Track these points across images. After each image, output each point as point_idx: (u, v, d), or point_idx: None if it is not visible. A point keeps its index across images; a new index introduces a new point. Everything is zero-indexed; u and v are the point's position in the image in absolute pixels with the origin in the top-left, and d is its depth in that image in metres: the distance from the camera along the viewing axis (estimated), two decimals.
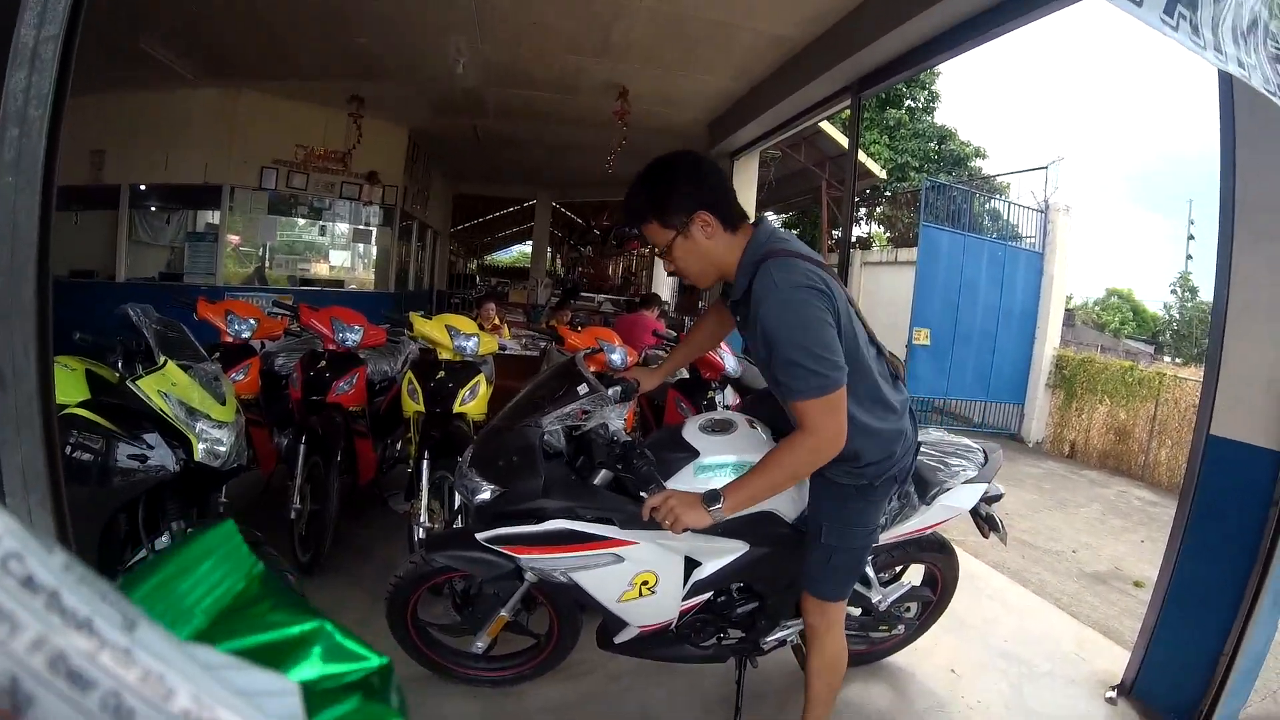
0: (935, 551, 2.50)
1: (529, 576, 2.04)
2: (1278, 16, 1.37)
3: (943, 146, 19.63)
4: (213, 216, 7.94)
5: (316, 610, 0.54)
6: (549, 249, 18.55)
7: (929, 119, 19.65)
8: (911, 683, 2.66)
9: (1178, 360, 19.70)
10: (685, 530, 1.70)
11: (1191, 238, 25.97)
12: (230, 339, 3.49)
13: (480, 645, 2.18)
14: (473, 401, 3.21)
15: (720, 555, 2.01)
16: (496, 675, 2.37)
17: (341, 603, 2.77)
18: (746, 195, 8.19)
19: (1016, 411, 9.54)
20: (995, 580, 3.72)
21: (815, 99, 5.48)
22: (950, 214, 9.23)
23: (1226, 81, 2.29)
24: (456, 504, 2.95)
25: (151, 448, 1.96)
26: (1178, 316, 25.22)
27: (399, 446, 3.83)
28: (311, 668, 0.51)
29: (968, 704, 2.55)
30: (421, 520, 2.88)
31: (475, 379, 3.24)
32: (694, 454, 1.95)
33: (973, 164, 19.75)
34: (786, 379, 1.58)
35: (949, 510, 2.31)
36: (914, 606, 2.60)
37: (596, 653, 2.27)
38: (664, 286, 14.53)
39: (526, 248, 25.66)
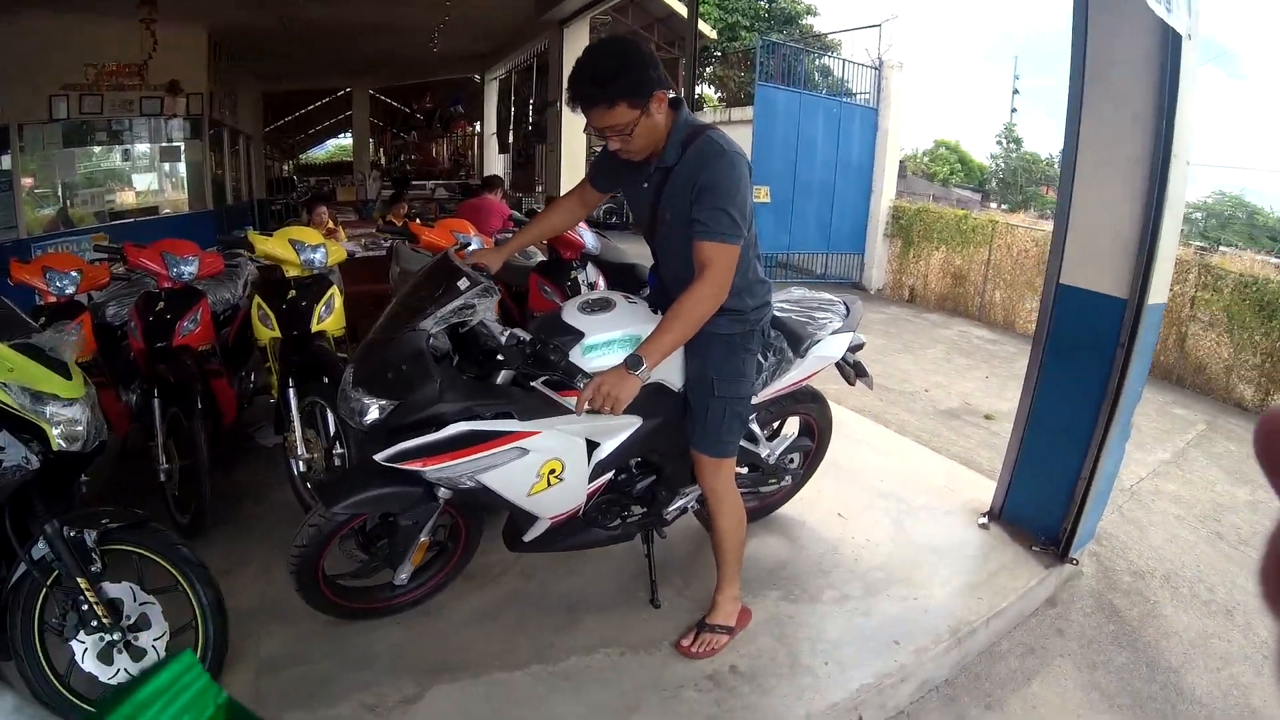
0: (809, 402, 2.70)
1: (442, 494, 1.99)
2: None
3: (773, 5, 19.57)
4: (2, 162, 6.75)
5: None
6: (370, 139, 17.42)
7: None
8: (804, 530, 2.87)
9: (1004, 207, 21.39)
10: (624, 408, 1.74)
11: (1016, 92, 27.68)
12: (54, 298, 3.04)
13: (404, 576, 2.12)
14: (330, 317, 3.04)
15: (617, 432, 2.07)
16: (416, 595, 2.32)
17: (237, 557, 2.59)
18: None
19: (857, 261, 9.94)
20: (861, 425, 4.00)
21: None
22: (784, 73, 9.28)
23: None
24: (333, 429, 2.82)
25: (2, 448, 1.71)
26: (1003, 166, 27.23)
27: (254, 377, 3.59)
28: None
29: (858, 543, 2.80)
30: (300, 453, 2.76)
31: (329, 293, 3.05)
32: (579, 335, 1.98)
33: (804, 22, 19.88)
34: (711, 221, 1.81)
35: (821, 360, 2.48)
36: (796, 457, 2.80)
37: (504, 555, 2.31)
38: (496, 165, 13.93)
39: (343, 141, 23.75)
